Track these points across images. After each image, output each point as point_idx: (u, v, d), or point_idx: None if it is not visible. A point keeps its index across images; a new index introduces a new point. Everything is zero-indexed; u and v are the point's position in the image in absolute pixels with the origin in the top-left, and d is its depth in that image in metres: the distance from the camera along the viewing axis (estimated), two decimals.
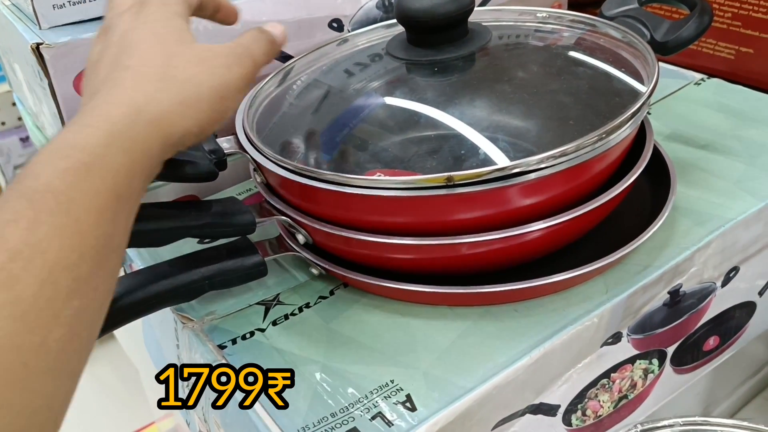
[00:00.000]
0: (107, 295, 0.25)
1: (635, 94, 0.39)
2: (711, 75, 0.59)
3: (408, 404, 0.34)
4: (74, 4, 0.46)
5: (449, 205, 0.36)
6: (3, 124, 1.54)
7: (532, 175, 0.35)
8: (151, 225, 0.37)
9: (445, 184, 0.34)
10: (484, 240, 0.36)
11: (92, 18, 0.47)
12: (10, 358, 0.21)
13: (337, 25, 0.53)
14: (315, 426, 0.33)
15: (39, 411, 0.21)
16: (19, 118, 1.59)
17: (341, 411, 0.34)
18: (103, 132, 0.27)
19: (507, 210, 0.36)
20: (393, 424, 0.33)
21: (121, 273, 0.53)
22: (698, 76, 0.59)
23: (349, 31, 0.54)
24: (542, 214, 0.37)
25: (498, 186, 0.35)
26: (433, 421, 0.33)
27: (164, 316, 0.43)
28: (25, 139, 1.55)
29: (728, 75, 0.58)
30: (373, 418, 0.33)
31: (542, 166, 0.35)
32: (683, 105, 0.56)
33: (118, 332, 0.86)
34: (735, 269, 0.45)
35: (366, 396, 0.35)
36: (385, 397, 0.34)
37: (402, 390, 0.35)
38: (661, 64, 0.60)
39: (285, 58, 0.52)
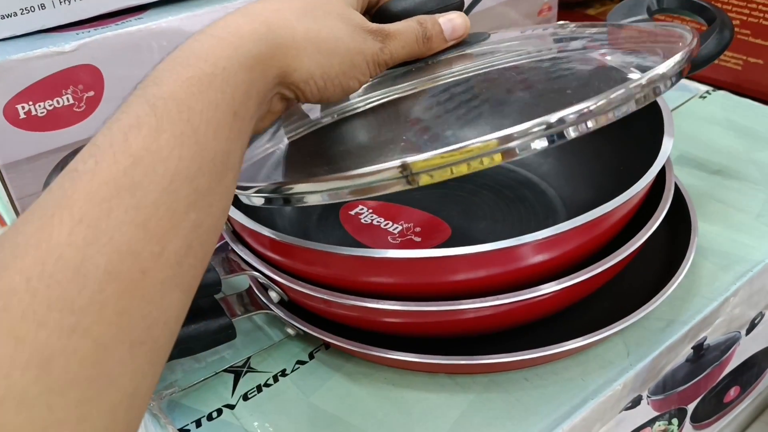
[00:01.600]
0: (222, 215, 0.24)
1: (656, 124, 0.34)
2: (716, 87, 0.54)
3: None
4: (4, 17, 0.40)
5: (448, 264, 0.31)
6: None
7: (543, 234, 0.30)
8: None
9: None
10: (490, 305, 0.31)
11: (26, 33, 0.41)
12: (130, 265, 0.20)
13: None
14: None
15: (156, 323, 0.21)
16: None
17: None
18: (228, 45, 0.25)
19: (515, 269, 0.31)
20: None
21: None
22: (703, 88, 0.55)
23: None
24: (555, 273, 0.32)
25: (506, 246, 0.30)
26: None
27: None
28: None
29: (734, 87, 0.54)
30: None
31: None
32: (690, 122, 0.51)
33: None
34: (760, 315, 0.40)
35: None
36: None
37: None
38: None
39: None
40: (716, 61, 0.54)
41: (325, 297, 0.32)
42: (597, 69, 0.32)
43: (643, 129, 0.38)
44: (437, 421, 0.32)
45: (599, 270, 0.32)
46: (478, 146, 0.25)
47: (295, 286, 0.33)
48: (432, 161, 0.26)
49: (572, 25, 0.42)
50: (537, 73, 0.35)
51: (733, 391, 0.42)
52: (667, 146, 0.35)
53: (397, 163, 0.26)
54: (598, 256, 0.33)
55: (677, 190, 0.41)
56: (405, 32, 0.32)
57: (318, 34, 0.28)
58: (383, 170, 0.26)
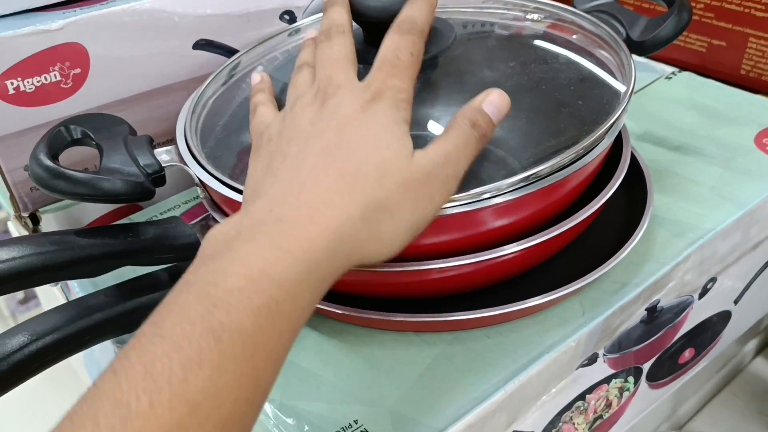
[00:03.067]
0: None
1: (610, 99, 0.36)
2: (682, 68, 0.57)
3: None
4: None
5: None
6: None
7: (501, 199, 0.32)
8: (80, 254, 0.33)
9: None
10: (453, 266, 0.33)
11: (13, 12, 0.42)
12: None
13: (289, 17, 0.49)
14: None
15: None
16: None
17: None
18: (302, 264, 0.24)
19: (477, 233, 0.33)
20: None
21: (61, 300, 0.49)
22: (669, 69, 0.57)
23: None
24: (515, 236, 0.34)
25: (465, 210, 0.32)
26: None
27: (103, 346, 0.39)
28: None
29: (699, 68, 0.56)
30: None
31: (513, 188, 0.32)
32: (655, 102, 0.53)
33: None
34: (713, 280, 0.43)
35: None
36: None
37: None
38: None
39: (230, 52, 0.48)
40: (682, 44, 0.56)
41: None
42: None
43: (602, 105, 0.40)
44: (404, 373, 0.34)
45: (556, 233, 0.34)
46: None
47: None
48: None
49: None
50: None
51: (687, 353, 0.45)
52: (622, 119, 0.37)
53: None
54: (557, 220, 0.35)
55: (637, 163, 0.43)
56: (459, 143, 0.30)
57: (383, 225, 0.27)
58: None
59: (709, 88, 0.54)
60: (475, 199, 0.31)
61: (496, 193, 0.32)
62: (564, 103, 0.38)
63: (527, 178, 0.32)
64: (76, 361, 0.49)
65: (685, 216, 0.42)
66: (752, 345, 0.70)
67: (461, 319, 0.35)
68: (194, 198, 0.48)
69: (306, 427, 0.32)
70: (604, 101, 0.37)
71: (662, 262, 0.39)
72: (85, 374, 0.50)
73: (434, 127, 0.35)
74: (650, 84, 0.56)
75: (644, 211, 0.39)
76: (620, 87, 0.37)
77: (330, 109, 0.30)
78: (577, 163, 0.33)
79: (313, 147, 0.29)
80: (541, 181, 0.32)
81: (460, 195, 0.31)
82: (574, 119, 0.36)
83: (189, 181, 0.48)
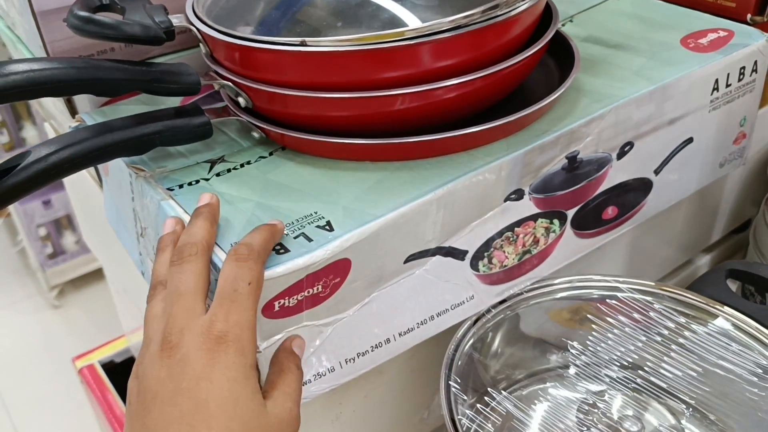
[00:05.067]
0: None
1: None
2: None
3: (327, 227, 0.40)
4: None
5: (372, 62, 0.41)
6: None
7: (441, 36, 0.40)
8: (103, 74, 0.42)
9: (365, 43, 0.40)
10: (398, 93, 0.41)
11: None
12: None
13: None
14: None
15: None
16: None
17: None
18: None
19: (423, 70, 0.42)
20: (313, 240, 0.39)
21: (95, 185, 0.58)
22: None
23: None
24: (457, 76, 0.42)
25: (412, 44, 0.40)
26: (346, 238, 0.39)
27: (121, 174, 0.48)
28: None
29: None
30: (297, 237, 0.39)
31: (452, 27, 0.40)
32: (603, 15, 0.61)
33: (86, 233, 0.91)
34: (629, 144, 0.50)
35: (292, 222, 0.40)
36: (308, 223, 0.40)
37: (323, 218, 0.40)
38: None
39: None
40: None
41: (280, 92, 0.43)
42: None
43: None
44: (357, 185, 0.43)
45: (486, 73, 0.42)
46: None
47: (256, 86, 0.44)
48: None
49: None
50: None
51: (611, 210, 0.52)
52: None
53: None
54: None
55: (570, 47, 0.51)
56: (294, 382, 0.36)
57: None
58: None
59: (651, 4, 0.62)
60: (421, 34, 0.40)
61: (437, 30, 0.40)
62: None
63: (466, 18, 0.40)
64: (99, 224, 0.58)
65: (607, 89, 0.50)
66: (705, 260, 0.77)
67: (404, 142, 0.43)
68: None
69: (277, 216, 0.41)
70: None
71: (580, 117, 0.47)
72: (106, 237, 0.59)
73: (392, 6, 0.44)
74: (602, 2, 0.64)
75: (568, 76, 0.47)
76: None
77: (178, 367, 0.32)
78: (506, 13, 0.42)
79: (170, 416, 0.31)
80: (476, 24, 0.41)
81: (407, 30, 0.39)
82: None
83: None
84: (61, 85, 0.40)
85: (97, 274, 1.77)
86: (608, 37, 0.57)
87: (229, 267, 0.35)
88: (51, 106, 0.64)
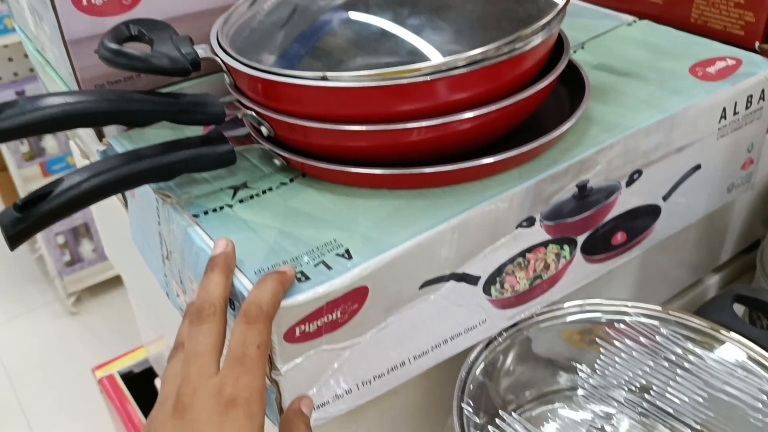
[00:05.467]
0: None
1: (550, 9, 0.46)
2: (642, 18, 0.66)
3: (346, 255, 0.41)
4: None
5: (390, 97, 0.43)
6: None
7: (457, 71, 0.42)
8: (133, 107, 0.44)
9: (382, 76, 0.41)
10: (419, 127, 0.43)
11: None
12: None
13: None
14: (269, 269, 0.41)
15: None
16: (15, 74, 1.66)
17: (291, 260, 0.41)
18: None
19: (439, 103, 0.43)
20: (332, 268, 0.40)
21: (120, 205, 0.60)
22: (631, 18, 0.66)
23: None
24: (472, 108, 0.44)
25: (429, 79, 0.42)
26: (364, 267, 0.41)
27: (147, 199, 0.50)
28: (20, 93, 1.60)
29: (658, 18, 0.65)
30: (317, 264, 0.41)
31: (468, 63, 0.42)
32: (613, 42, 0.63)
33: (109, 249, 0.94)
34: (638, 172, 0.52)
35: (312, 250, 0.42)
36: (328, 250, 0.42)
37: (342, 246, 0.42)
38: (599, 8, 0.68)
39: None
40: None
41: (301, 123, 0.45)
42: None
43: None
44: (374, 213, 0.45)
45: (500, 106, 0.44)
46: None
47: (277, 117, 0.46)
48: None
49: None
50: None
51: (620, 236, 0.54)
52: (557, 20, 0.47)
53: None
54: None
55: (580, 75, 0.53)
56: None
57: None
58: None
59: (661, 32, 0.64)
60: (437, 70, 0.42)
61: (453, 66, 0.42)
62: (516, 10, 0.48)
63: (481, 54, 0.42)
64: (124, 240, 0.60)
65: (616, 118, 0.51)
66: (714, 280, 0.78)
67: (420, 173, 0.45)
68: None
69: (298, 244, 0.42)
70: (547, 9, 0.46)
71: (590, 146, 0.49)
72: (130, 253, 0.61)
73: (410, 31, 0.46)
74: (613, 29, 0.65)
75: (579, 106, 0.49)
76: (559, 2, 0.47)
77: (189, 428, 0.34)
78: (521, 48, 0.43)
79: None
80: (491, 59, 0.42)
81: (425, 65, 0.41)
82: (523, 21, 0.46)
83: (224, 90, 0.59)
84: (94, 117, 0.42)
85: (114, 282, 1.80)
86: (618, 65, 0.59)
87: (239, 330, 0.36)
88: None
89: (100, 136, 0.58)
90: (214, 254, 0.40)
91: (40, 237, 1.75)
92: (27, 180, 1.70)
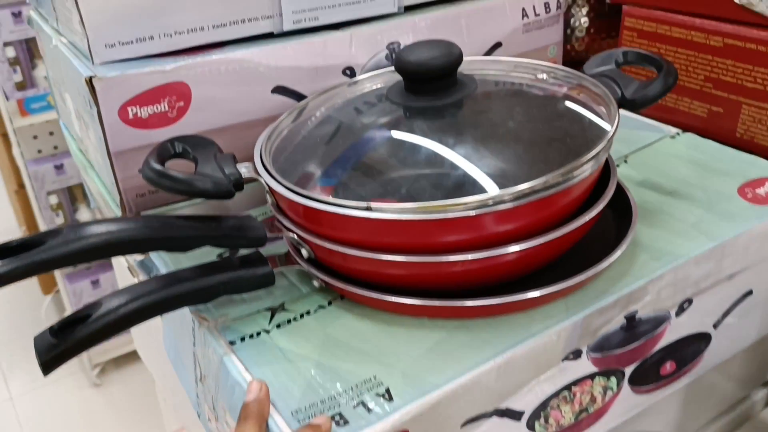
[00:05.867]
0: None
1: (598, 137, 0.46)
2: (686, 130, 0.65)
3: (386, 395, 0.40)
4: (123, 44, 0.54)
5: (434, 229, 0.42)
6: (39, 152, 1.64)
7: (503, 206, 0.41)
8: (176, 233, 0.43)
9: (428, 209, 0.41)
10: (462, 260, 0.42)
11: (138, 57, 0.55)
12: None
13: (350, 72, 0.60)
14: (306, 410, 0.39)
15: None
16: (55, 147, 1.70)
17: (330, 399, 0.40)
18: None
19: (484, 235, 0.42)
20: (372, 411, 0.39)
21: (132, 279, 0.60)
22: (674, 130, 0.65)
23: None
24: (516, 240, 0.43)
25: (474, 214, 0.41)
26: (407, 410, 0.39)
27: (183, 318, 0.49)
28: (17, 14, 1.59)
29: (701, 131, 0.64)
30: (356, 405, 0.39)
31: (515, 197, 0.41)
32: (658, 156, 0.62)
33: (140, 346, 0.93)
34: (688, 301, 0.50)
35: (351, 388, 0.40)
36: (367, 389, 0.40)
37: (382, 384, 0.41)
38: (641, 118, 0.67)
39: (300, 97, 0.59)
40: (686, 109, 0.65)
41: (342, 250, 0.44)
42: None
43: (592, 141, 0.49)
44: (417, 346, 0.43)
45: (547, 239, 0.43)
46: None
47: (320, 242, 0.45)
48: None
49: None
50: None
51: (669, 366, 0.51)
52: (605, 150, 0.46)
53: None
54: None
55: (627, 197, 0.51)
56: None
57: None
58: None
59: (706, 146, 0.62)
60: (481, 205, 0.41)
61: (499, 201, 0.41)
62: (561, 139, 0.47)
63: (525, 190, 0.41)
64: (158, 343, 0.59)
65: (665, 245, 0.50)
66: (762, 394, 0.75)
67: (463, 306, 0.43)
68: (263, 213, 0.59)
69: (337, 380, 0.41)
70: (594, 139, 0.46)
71: (639, 277, 0.47)
72: (161, 356, 0.60)
73: (455, 158, 0.45)
74: (656, 141, 0.64)
75: (627, 233, 0.48)
76: (607, 128, 0.46)
77: None
78: (566, 182, 0.42)
79: None
80: (536, 194, 0.41)
81: (471, 200, 0.40)
82: (570, 150, 0.45)
83: (261, 200, 0.59)
84: (137, 245, 0.42)
85: (137, 354, 1.79)
86: (664, 182, 0.58)
87: None
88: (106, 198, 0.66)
89: None
90: (247, 400, 0.39)
91: (69, 306, 1.75)
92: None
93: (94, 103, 0.52)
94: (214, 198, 0.46)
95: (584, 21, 0.80)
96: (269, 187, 0.47)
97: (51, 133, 1.68)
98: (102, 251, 0.41)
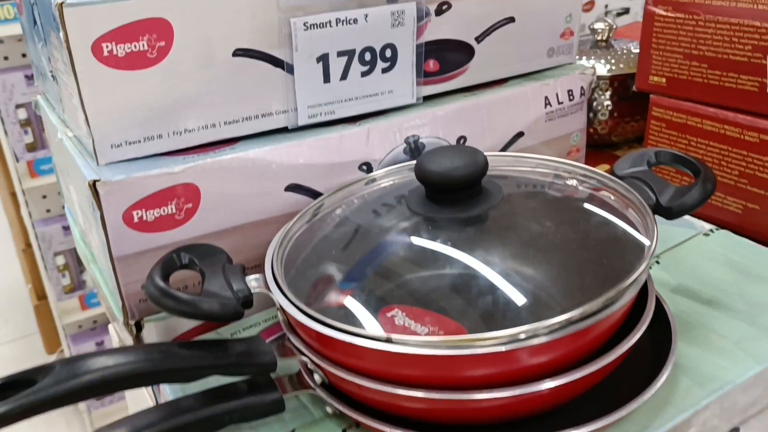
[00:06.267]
0: None
1: (636, 255, 0.42)
2: (720, 226, 0.62)
3: None
4: (130, 143, 0.51)
5: (460, 364, 0.38)
6: (48, 211, 1.61)
7: (537, 340, 0.38)
8: (180, 364, 0.40)
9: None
10: (492, 397, 0.38)
11: (144, 156, 0.52)
12: None
13: (366, 168, 0.58)
14: None
15: None
16: (24, 55, 1.54)
17: None
18: None
19: (513, 369, 0.39)
20: None
21: (152, 403, 0.56)
22: (707, 226, 0.62)
23: None
24: (548, 373, 0.39)
25: (504, 350, 0.37)
26: None
27: None
28: (29, 77, 1.50)
29: (736, 228, 0.61)
30: None
31: (550, 330, 0.37)
32: (691, 256, 0.58)
33: None
34: (735, 430, 0.46)
35: None
36: None
37: None
38: None
39: (315, 194, 0.56)
40: (720, 205, 0.62)
41: (357, 381, 0.41)
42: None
43: (629, 261, 0.45)
44: None
45: (580, 375, 0.39)
46: None
47: (334, 371, 0.41)
48: None
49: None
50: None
51: None
52: (644, 273, 0.42)
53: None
54: (587, 361, 0.40)
55: (665, 312, 0.48)
56: None
57: None
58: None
59: (743, 246, 0.59)
60: (513, 340, 0.37)
61: (532, 335, 0.37)
62: (596, 258, 0.44)
63: (561, 322, 0.37)
64: None
65: (708, 367, 0.46)
66: None
67: None
68: (273, 317, 0.55)
69: None
70: (631, 258, 0.42)
71: (682, 408, 0.43)
72: None
73: (483, 270, 0.42)
74: (689, 239, 0.61)
75: (668, 358, 0.44)
76: (645, 243, 0.43)
77: None
78: (605, 311, 0.39)
79: None
80: (573, 325, 0.38)
81: (501, 334, 0.37)
82: (605, 272, 0.42)
83: (270, 302, 0.56)
84: (137, 380, 0.39)
85: None
86: (700, 289, 0.54)
87: None
88: (108, 299, 0.63)
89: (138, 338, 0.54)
90: None
91: None
92: (66, 313, 1.68)
93: (97, 207, 0.49)
94: (221, 321, 0.42)
95: (607, 104, 0.77)
96: (280, 305, 0.44)
97: (60, 193, 1.67)
98: (99, 389, 0.38)
